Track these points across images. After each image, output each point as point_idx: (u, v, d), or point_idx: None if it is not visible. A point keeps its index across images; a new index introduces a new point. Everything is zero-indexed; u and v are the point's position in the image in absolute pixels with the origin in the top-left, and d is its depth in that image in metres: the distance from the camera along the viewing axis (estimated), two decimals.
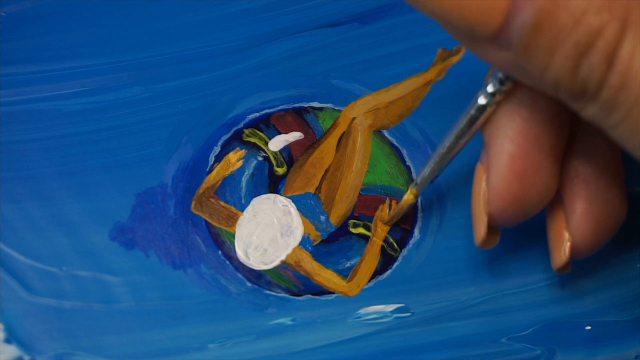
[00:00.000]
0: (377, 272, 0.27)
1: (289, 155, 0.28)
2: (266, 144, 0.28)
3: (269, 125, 0.29)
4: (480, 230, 0.22)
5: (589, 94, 0.15)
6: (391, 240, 0.27)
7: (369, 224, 0.28)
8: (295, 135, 0.28)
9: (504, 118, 0.19)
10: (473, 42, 0.16)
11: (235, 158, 0.28)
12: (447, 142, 0.22)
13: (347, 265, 0.27)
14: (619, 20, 0.14)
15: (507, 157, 0.19)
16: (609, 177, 0.21)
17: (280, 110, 0.29)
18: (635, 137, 0.15)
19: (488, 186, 0.20)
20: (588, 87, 0.15)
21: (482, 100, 0.20)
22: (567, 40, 0.14)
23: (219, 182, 0.28)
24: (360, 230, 0.28)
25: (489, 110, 0.20)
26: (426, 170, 0.24)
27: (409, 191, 0.26)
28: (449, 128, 0.22)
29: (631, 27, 0.14)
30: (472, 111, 0.20)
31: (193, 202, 0.27)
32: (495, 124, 0.20)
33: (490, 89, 0.19)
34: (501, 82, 0.19)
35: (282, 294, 0.26)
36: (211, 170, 0.28)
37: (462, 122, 0.21)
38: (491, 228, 0.22)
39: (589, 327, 0.26)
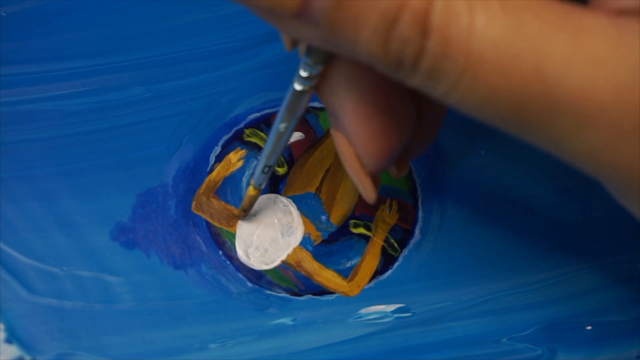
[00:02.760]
0: (378, 272, 0.27)
1: (289, 155, 0.28)
2: None
3: (269, 125, 0.29)
4: (368, 189, 0.21)
5: (407, 66, 0.15)
6: (392, 240, 0.27)
7: (370, 224, 0.28)
8: (295, 136, 0.28)
9: (341, 84, 0.18)
10: (281, 22, 0.15)
11: (236, 158, 0.28)
12: (275, 133, 0.21)
13: (348, 265, 0.27)
14: None
15: (363, 122, 0.19)
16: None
17: None
18: (468, 105, 0.15)
19: (357, 151, 0.20)
20: (404, 60, 0.14)
21: (298, 87, 0.19)
22: (372, 13, 0.14)
23: (220, 182, 0.28)
24: (361, 230, 0.28)
25: (308, 94, 0.19)
26: (259, 162, 0.23)
27: (250, 185, 0.25)
28: (275, 119, 0.21)
29: None
30: (291, 97, 0.19)
31: (194, 202, 0.27)
32: (334, 93, 0.19)
33: (303, 74, 0.18)
34: (312, 66, 0.18)
35: (283, 294, 0.26)
36: (212, 170, 0.28)
37: (284, 111, 0.20)
38: (373, 179, 0.21)
39: (589, 327, 0.26)
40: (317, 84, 0.19)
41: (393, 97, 0.19)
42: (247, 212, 0.27)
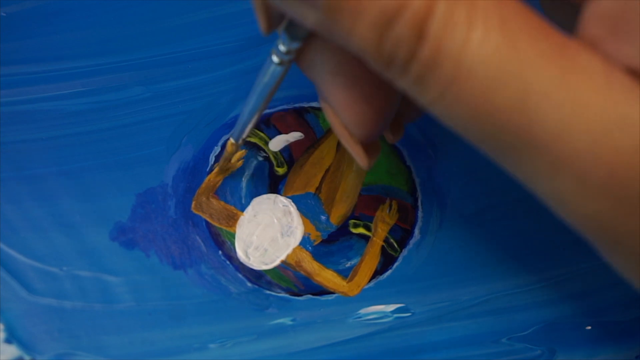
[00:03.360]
0: (378, 272, 0.27)
1: (289, 155, 0.28)
2: (266, 144, 0.28)
3: (269, 125, 0.29)
4: (360, 157, 0.21)
5: (397, 68, 0.14)
6: (391, 240, 0.27)
7: (370, 224, 0.28)
8: (295, 135, 0.28)
9: (319, 54, 0.18)
10: (285, 1, 0.15)
11: (235, 158, 0.28)
12: (247, 108, 0.21)
13: (348, 265, 0.27)
14: None
15: (342, 91, 0.18)
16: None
17: (281, 110, 0.29)
18: (451, 119, 0.15)
19: (344, 120, 0.20)
20: (395, 61, 0.14)
21: (275, 59, 0.19)
22: (372, 7, 0.14)
23: (220, 182, 0.28)
24: (361, 230, 0.28)
25: (284, 68, 0.19)
26: (238, 127, 0.23)
27: (229, 142, 0.25)
28: (254, 85, 0.21)
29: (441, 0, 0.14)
30: (268, 71, 0.19)
31: (193, 202, 0.27)
32: (313, 63, 0.19)
33: (282, 48, 0.18)
34: (290, 41, 0.18)
35: (283, 294, 0.27)
36: (211, 170, 0.28)
37: (258, 84, 0.20)
38: (367, 146, 0.21)
39: (589, 327, 0.26)
40: (295, 58, 0.19)
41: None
42: (223, 170, 0.26)
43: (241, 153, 0.28)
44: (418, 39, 0.14)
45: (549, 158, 0.14)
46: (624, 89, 0.14)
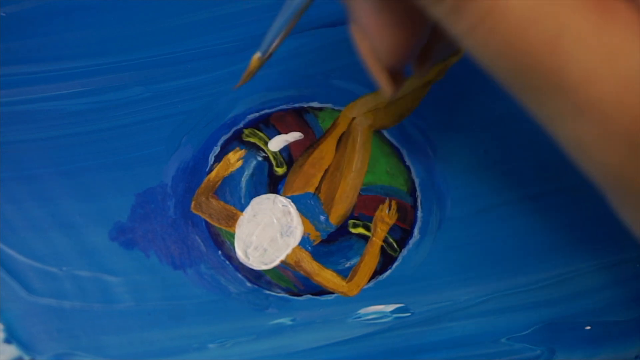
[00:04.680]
0: (377, 272, 0.27)
1: (288, 155, 0.28)
2: (266, 144, 0.28)
3: (268, 125, 0.28)
4: (384, 83, 0.21)
5: None
6: (391, 240, 0.27)
7: (369, 224, 0.28)
8: (295, 135, 0.28)
9: None
10: None
11: (235, 158, 0.28)
12: (286, 15, 0.21)
13: (347, 265, 0.27)
14: None
15: (375, 13, 0.18)
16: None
17: (280, 110, 0.29)
18: (482, 52, 0.15)
19: (372, 45, 0.20)
20: None
21: None
22: None
23: (219, 182, 0.28)
24: (360, 230, 0.28)
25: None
26: (266, 42, 0.23)
27: (255, 56, 0.24)
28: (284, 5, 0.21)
29: None
30: None
31: (193, 202, 0.27)
32: None
33: None
34: None
35: (282, 294, 0.26)
36: (211, 170, 0.28)
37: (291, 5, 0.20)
38: (392, 75, 0.21)
39: (589, 327, 0.26)
40: None
41: None
42: (246, 80, 0.25)
43: (241, 153, 0.28)
44: None
45: (575, 100, 0.14)
46: None
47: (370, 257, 0.27)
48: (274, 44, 0.23)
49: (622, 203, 0.16)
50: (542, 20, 0.14)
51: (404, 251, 0.27)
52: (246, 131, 0.28)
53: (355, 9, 0.19)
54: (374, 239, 0.27)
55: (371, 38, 0.19)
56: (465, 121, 0.28)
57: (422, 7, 0.15)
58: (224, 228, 0.27)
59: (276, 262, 0.27)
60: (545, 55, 0.14)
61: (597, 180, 0.16)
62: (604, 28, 0.14)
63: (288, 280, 0.27)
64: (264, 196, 0.28)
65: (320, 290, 0.27)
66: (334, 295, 0.27)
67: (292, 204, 0.28)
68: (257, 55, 0.24)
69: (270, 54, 0.24)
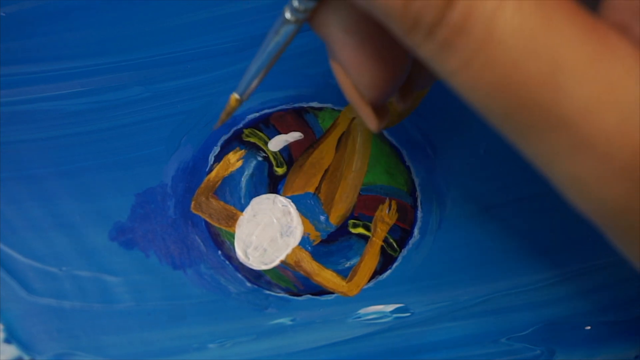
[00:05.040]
0: (377, 272, 0.27)
1: (288, 155, 0.28)
2: (266, 144, 0.28)
3: (268, 125, 0.28)
4: (370, 118, 0.20)
5: (423, 31, 0.14)
6: (391, 240, 0.27)
7: (369, 224, 0.28)
8: (295, 135, 0.28)
9: (333, 13, 0.18)
10: None
11: (234, 158, 0.28)
12: (262, 58, 0.21)
13: (347, 265, 0.27)
14: None
15: (354, 50, 0.18)
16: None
17: (280, 110, 0.29)
18: (474, 90, 0.14)
19: (354, 81, 0.19)
20: (421, 24, 0.14)
21: (288, 16, 0.18)
22: None
23: (219, 182, 0.28)
24: (360, 230, 0.28)
25: (295, 28, 0.18)
26: (244, 83, 0.22)
27: (232, 96, 0.23)
28: (264, 41, 0.20)
29: None
30: (280, 26, 0.19)
31: (193, 202, 0.27)
32: (326, 21, 0.18)
33: (295, 4, 0.18)
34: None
35: (282, 294, 0.26)
36: (211, 170, 0.28)
37: (272, 38, 0.19)
38: (377, 109, 0.21)
39: (589, 327, 0.26)
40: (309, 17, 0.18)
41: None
42: (221, 123, 0.25)
43: (241, 153, 0.28)
44: (448, 2, 0.13)
45: (573, 137, 0.14)
46: None
47: (370, 257, 0.27)
48: (253, 85, 0.23)
49: (622, 238, 0.16)
50: (538, 53, 0.13)
51: (404, 251, 0.27)
52: (246, 131, 0.28)
53: (334, 45, 0.19)
54: (374, 239, 0.27)
55: (352, 74, 0.19)
56: (465, 121, 0.28)
57: (409, 47, 0.15)
58: (223, 228, 0.27)
59: (276, 262, 0.27)
60: (541, 92, 0.14)
61: (595, 217, 0.16)
62: (600, 61, 0.14)
63: (288, 280, 0.27)
64: (263, 196, 0.28)
65: (320, 290, 0.27)
66: (334, 295, 0.27)
67: (292, 204, 0.28)
68: (235, 96, 0.24)
69: (249, 95, 0.24)
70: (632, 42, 0.14)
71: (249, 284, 0.26)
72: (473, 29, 0.13)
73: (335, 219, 0.28)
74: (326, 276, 0.27)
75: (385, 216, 0.28)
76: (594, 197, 0.15)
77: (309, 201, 0.28)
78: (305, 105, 0.29)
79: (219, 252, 0.27)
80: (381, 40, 0.18)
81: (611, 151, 0.14)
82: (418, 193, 0.28)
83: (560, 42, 0.13)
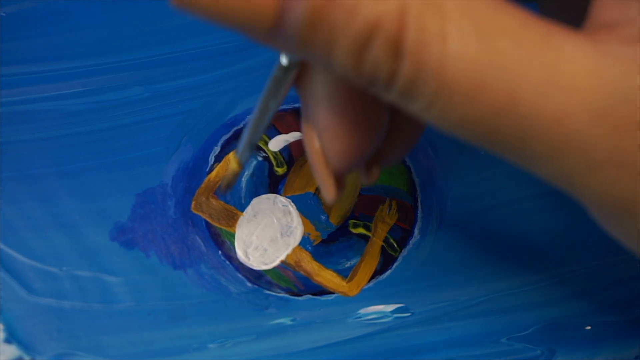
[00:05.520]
0: (377, 272, 0.27)
1: (289, 155, 0.28)
2: (266, 144, 0.28)
3: (269, 126, 0.28)
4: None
5: (381, 86, 0.14)
6: (391, 240, 0.27)
7: (369, 224, 0.28)
8: (295, 135, 0.28)
9: (318, 74, 0.18)
10: (255, 37, 0.15)
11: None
12: (259, 109, 0.20)
13: (347, 265, 0.27)
14: (395, 10, 0.13)
15: (334, 116, 0.18)
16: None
17: (281, 110, 0.29)
18: (443, 125, 0.15)
19: (323, 147, 0.19)
20: (378, 79, 0.14)
21: (284, 61, 0.18)
22: (344, 36, 0.13)
23: (219, 182, 0.28)
24: (360, 230, 0.28)
25: (294, 70, 0.18)
26: (244, 139, 0.23)
27: (232, 159, 0.24)
28: (261, 94, 0.21)
29: (410, 15, 0.13)
30: (277, 73, 0.18)
31: (193, 202, 0.27)
32: (310, 83, 0.18)
33: (284, 61, 0.18)
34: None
35: (282, 294, 0.26)
36: (211, 170, 0.28)
37: (269, 86, 0.19)
38: (336, 179, 0.21)
39: (589, 327, 0.26)
40: (303, 62, 0.18)
41: (368, 95, 0.19)
42: (229, 189, 0.26)
43: None
44: (396, 58, 0.14)
45: (549, 144, 0.14)
46: (619, 61, 0.14)
47: (371, 257, 0.27)
48: (250, 153, 0.23)
49: (616, 224, 0.16)
50: (492, 84, 0.14)
51: (404, 251, 0.27)
52: None
53: (314, 107, 0.19)
54: (374, 239, 0.27)
55: (324, 139, 0.19)
56: None
57: (375, 94, 0.15)
58: (224, 228, 0.27)
59: (276, 262, 0.27)
60: (506, 114, 0.14)
61: (589, 206, 0.16)
62: (555, 70, 0.14)
63: (288, 280, 0.27)
64: (264, 196, 0.28)
65: (320, 290, 0.27)
66: (334, 295, 0.27)
67: (292, 204, 0.27)
68: (234, 163, 0.24)
69: (246, 162, 0.24)
70: (590, 39, 0.15)
71: (249, 284, 0.26)
72: (426, 78, 0.14)
73: (335, 219, 0.28)
74: (326, 276, 0.27)
75: (386, 216, 0.28)
76: (585, 186, 0.15)
77: (309, 201, 0.28)
78: None
79: (220, 252, 0.27)
80: (360, 110, 0.18)
81: (590, 147, 0.14)
82: (418, 193, 0.28)
83: (510, 67, 0.14)
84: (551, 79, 0.14)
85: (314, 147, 0.20)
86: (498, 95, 0.14)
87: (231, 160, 0.24)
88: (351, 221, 0.28)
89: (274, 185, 0.28)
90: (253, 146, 0.23)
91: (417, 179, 0.28)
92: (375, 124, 0.19)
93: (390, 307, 0.26)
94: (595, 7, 0.16)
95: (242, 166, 0.24)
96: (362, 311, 0.26)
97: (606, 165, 0.15)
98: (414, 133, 0.21)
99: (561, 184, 0.16)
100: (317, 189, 0.28)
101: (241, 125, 0.28)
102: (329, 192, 0.21)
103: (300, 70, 0.18)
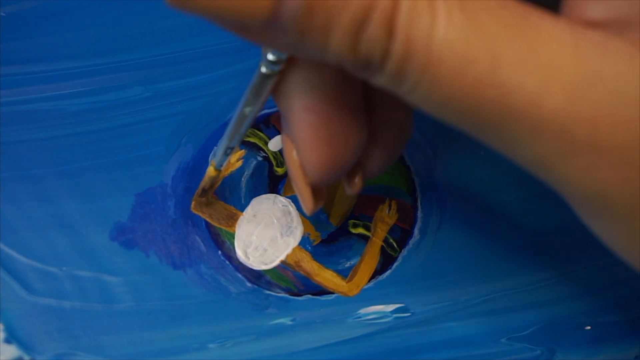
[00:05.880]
0: (377, 272, 0.27)
1: None
2: (266, 144, 0.28)
3: (268, 125, 0.28)
4: (307, 200, 0.21)
5: (374, 67, 0.15)
6: (391, 240, 0.27)
7: (369, 224, 0.28)
8: None
9: (295, 86, 0.18)
10: (247, 32, 0.15)
11: (235, 158, 0.28)
12: (237, 115, 0.21)
13: (347, 265, 0.27)
14: None
15: (310, 128, 0.18)
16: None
17: None
18: (427, 104, 0.15)
19: (301, 158, 0.20)
20: (372, 61, 0.15)
21: (264, 69, 0.18)
22: (342, 18, 0.14)
23: (219, 182, 0.28)
24: (360, 230, 0.28)
25: (273, 78, 0.18)
26: (221, 144, 0.23)
27: (210, 165, 0.25)
28: (239, 100, 0.20)
29: None
30: (257, 81, 0.19)
31: (193, 203, 0.27)
32: (288, 94, 0.19)
33: (270, 57, 0.18)
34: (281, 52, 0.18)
35: (282, 294, 0.26)
36: None
37: (248, 93, 0.20)
38: (315, 191, 0.21)
39: (589, 327, 0.26)
40: (283, 69, 0.18)
41: (345, 109, 0.19)
42: (206, 193, 0.26)
43: (241, 153, 0.28)
44: (390, 36, 0.14)
45: (528, 124, 0.15)
46: (594, 45, 0.15)
47: (370, 257, 0.27)
48: (227, 159, 0.23)
49: (595, 214, 0.17)
50: (475, 58, 0.14)
51: (404, 251, 0.27)
52: None
53: (292, 119, 0.19)
54: (374, 239, 0.27)
55: (301, 151, 0.19)
56: None
57: (363, 79, 0.16)
58: (224, 228, 0.27)
59: (276, 262, 0.27)
60: (488, 90, 0.14)
61: (569, 200, 0.16)
62: (534, 48, 0.14)
63: (288, 280, 0.27)
64: (264, 196, 0.28)
65: (320, 290, 0.27)
66: (334, 295, 0.27)
67: (292, 204, 0.27)
68: (212, 168, 0.24)
69: (222, 167, 0.24)
70: (568, 22, 0.15)
71: (249, 284, 0.26)
72: (415, 54, 0.14)
73: (335, 219, 0.28)
74: (326, 276, 0.27)
75: (386, 216, 0.28)
76: (562, 173, 0.15)
77: None
78: None
79: (219, 252, 0.27)
80: (336, 123, 0.18)
81: (568, 130, 0.14)
82: (418, 193, 0.28)
83: (492, 41, 0.14)
84: (529, 56, 0.14)
85: (292, 158, 0.20)
86: (480, 72, 0.14)
87: (209, 167, 0.24)
88: (351, 221, 0.28)
89: (274, 185, 0.28)
90: (230, 151, 0.23)
91: (417, 179, 0.28)
92: (352, 137, 0.19)
93: (390, 307, 0.26)
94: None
95: (218, 171, 0.24)
96: (362, 311, 0.26)
97: (583, 150, 0.15)
98: (396, 144, 0.21)
99: (540, 171, 0.16)
100: None
101: None
102: (306, 204, 0.21)
103: (278, 81, 0.18)
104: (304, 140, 0.19)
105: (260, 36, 0.15)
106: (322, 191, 0.22)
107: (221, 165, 0.24)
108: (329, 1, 0.14)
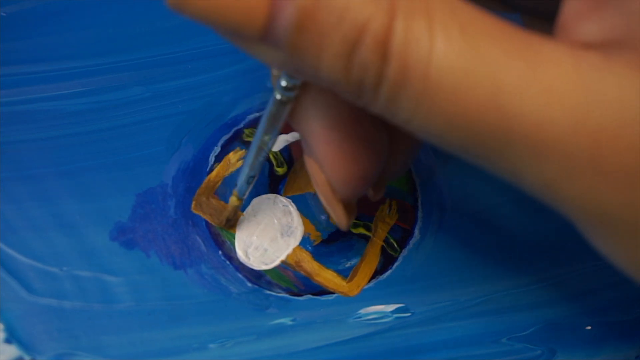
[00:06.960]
0: (378, 272, 0.27)
1: (289, 155, 0.28)
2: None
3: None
4: (341, 217, 0.21)
5: (368, 93, 0.14)
6: (391, 240, 0.27)
7: (369, 224, 0.28)
8: (295, 135, 0.28)
9: (313, 109, 0.18)
10: (246, 43, 0.15)
11: (235, 158, 0.28)
12: (255, 143, 0.21)
13: (348, 265, 0.27)
14: (384, 11, 0.13)
15: (333, 146, 0.19)
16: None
17: None
18: (427, 132, 0.15)
19: (328, 177, 0.20)
20: (365, 86, 0.14)
21: (279, 96, 0.18)
22: (333, 38, 0.14)
23: (219, 182, 0.28)
24: (361, 230, 0.28)
25: (289, 104, 0.18)
26: (242, 173, 0.23)
27: (232, 195, 0.25)
28: (257, 130, 0.21)
29: (399, 16, 0.13)
30: (273, 108, 0.19)
31: (193, 202, 0.27)
32: (306, 117, 0.19)
33: (284, 83, 0.18)
34: (292, 76, 0.18)
35: (283, 294, 0.26)
36: (211, 170, 0.28)
37: (265, 121, 0.20)
38: (346, 206, 0.21)
39: (589, 327, 0.26)
40: (298, 95, 0.18)
41: (364, 122, 0.19)
42: (230, 223, 0.27)
43: (241, 153, 0.28)
44: (383, 59, 0.14)
45: (531, 149, 0.14)
46: (594, 68, 0.14)
47: (371, 257, 0.27)
48: (249, 187, 0.24)
49: (600, 234, 0.16)
50: (475, 83, 0.14)
51: (405, 251, 0.27)
52: (247, 131, 0.28)
53: (311, 141, 0.19)
54: (374, 239, 0.27)
55: (327, 170, 0.19)
56: None
57: (362, 107, 0.15)
58: (224, 228, 0.27)
59: (276, 262, 0.27)
60: (489, 115, 0.14)
61: (572, 217, 0.16)
62: (535, 72, 0.14)
63: (288, 280, 0.27)
64: (264, 196, 0.28)
65: (320, 290, 0.27)
66: (334, 295, 0.27)
67: (292, 204, 0.28)
68: (235, 198, 0.25)
69: (245, 196, 0.25)
70: (569, 45, 0.15)
71: (249, 284, 0.26)
72: (411, 79, 0.14)
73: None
74: (327, 276, 0.27)
75: (386, 216, 0.28)
76: (567, 196, 0.15)
77: (309, 201, 0.28)
78: None
79: (220, 252, 0.27)
80: (358, 138, 0.18)
81: (572, 153, 0.14)
82: (419, 193, 0.28)
83: (492, 67, 0.14)
84: (531, 81, 0.14)
85: (320, 178, 0.20)
86: (481, 98, 0.14)
87: (231, 197, 0.24)
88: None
89: (274, 185, 0.28)
90: (252, 180, 0.23)
91: (418, 179, 0.28)
92: (375, 148, 0.19)
93: (391, 307, 0.26)
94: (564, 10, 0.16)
95: (241, 200, 0.25)
96: (363, 311, 0.26)
97: (586, 173, 0.14)
98: (414, 147, 0.22)
99: (543, 194, 0.16)
100: None
101: (241, 125, 0.28)
102: (341, 220, 0.21)
103: (295, 106, 0.18)
104: (329, 159, 0.19)
105: (258, 49, 0.15)
106: (353, 204, 0.22)
107: (243, 194, 0.24)
108: (321, 20, 0.13)
